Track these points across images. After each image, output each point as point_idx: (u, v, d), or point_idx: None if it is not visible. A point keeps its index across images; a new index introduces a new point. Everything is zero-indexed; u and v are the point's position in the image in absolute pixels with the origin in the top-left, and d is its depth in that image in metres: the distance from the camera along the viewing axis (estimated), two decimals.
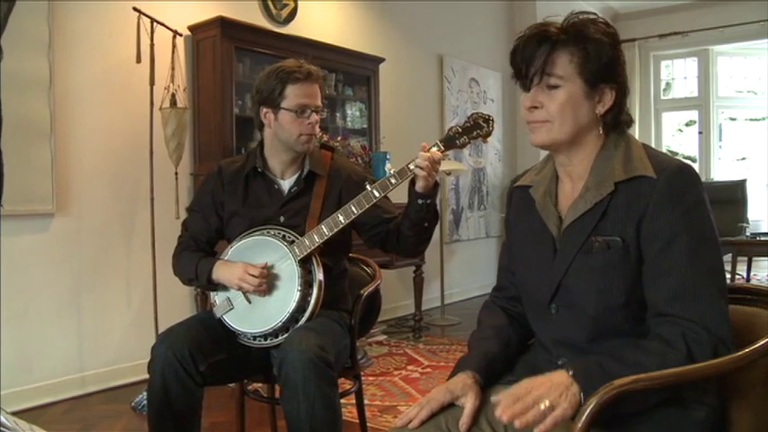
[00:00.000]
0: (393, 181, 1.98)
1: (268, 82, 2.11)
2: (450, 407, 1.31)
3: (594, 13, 1.31)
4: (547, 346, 1.37)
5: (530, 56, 1.28)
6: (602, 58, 1.27)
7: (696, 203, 1.22)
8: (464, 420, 1.27)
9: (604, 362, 1.17)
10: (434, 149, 1.93)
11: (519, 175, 1.55)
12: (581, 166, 1.34)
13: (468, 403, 1.29)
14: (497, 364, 1.41)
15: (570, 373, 1.17)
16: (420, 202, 1.98)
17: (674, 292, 1.19)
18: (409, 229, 2.05)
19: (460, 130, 1.98)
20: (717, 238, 1.24)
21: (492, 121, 1.98)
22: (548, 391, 1.14)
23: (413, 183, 1.98)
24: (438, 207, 2.07)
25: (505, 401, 1.15)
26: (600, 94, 1.30)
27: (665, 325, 1.20)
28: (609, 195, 1.27)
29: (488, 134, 1.98)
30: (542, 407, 1.12)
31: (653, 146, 1.43)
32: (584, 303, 1.28)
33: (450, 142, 1.97)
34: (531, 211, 1.42)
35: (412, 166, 1.94)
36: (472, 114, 1.99)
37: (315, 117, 2.12)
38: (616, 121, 1.33)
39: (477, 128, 1.97)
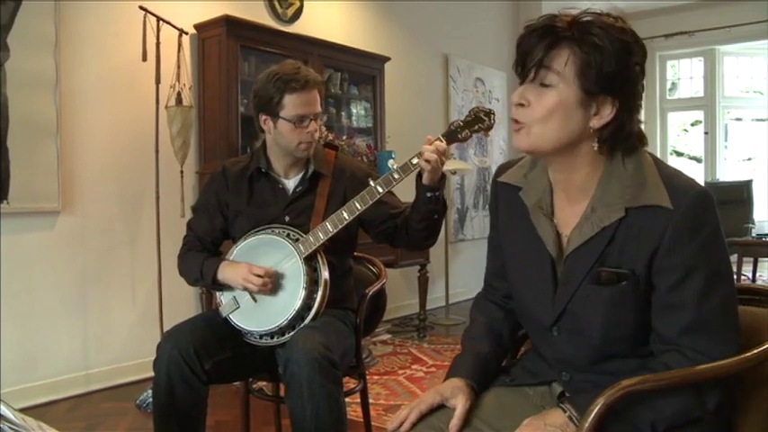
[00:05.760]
0: (396, 176, 1.99)
1: (266, 89, 2.09)
2: (443, 409, 1.30)
3: (611, 15, 1.18)
4: (548, 360, 1.35)
5: (531, 47, 1.17)
6: (603, 67, 1.13)
7: (713, 234, 1.16)
8: (454, 422, 1.25)
9: None
10: (438, 142, 1.94)
11: (503, 167, 1.44)
12: (576, 180, 1.25)
13: (459, 404, 1.28)
14: (491, 363, 1.40)
15: (567, 414, 1.16)
16: (429, 194, 1.99)
17: (686, 325, 1.15)
18: (419, 223, 2.05)
19: (462, 123, 1.99)
20: (730, 265, 1.21)
21: (493, 114, 1.99)
22: None
23: (420, 177, 1.99)
24: (445, 198, 2.08)
25: None
26: (598, 105, 1.17)
27: (673, 354, 1.17)
28: (618, 220, 1.18)
29: (489, 128, 1.99)
30: None
31: (658, 146, 1.38)
32: (590, 332, 1.23)
33: (453, 136, 1.98)
34: (524, 219, 1.33)
35: (415, 161, 1.95)
36: (473, 108, 2.01)
37: (314, 125, 2.11)
38: (615, 140, 1.19)
39: (478, 121, 1.98)
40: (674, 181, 1.18)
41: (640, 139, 1.23)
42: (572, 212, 1.27)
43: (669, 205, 1.14)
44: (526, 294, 1.35)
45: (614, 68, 1.14)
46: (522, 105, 1.20)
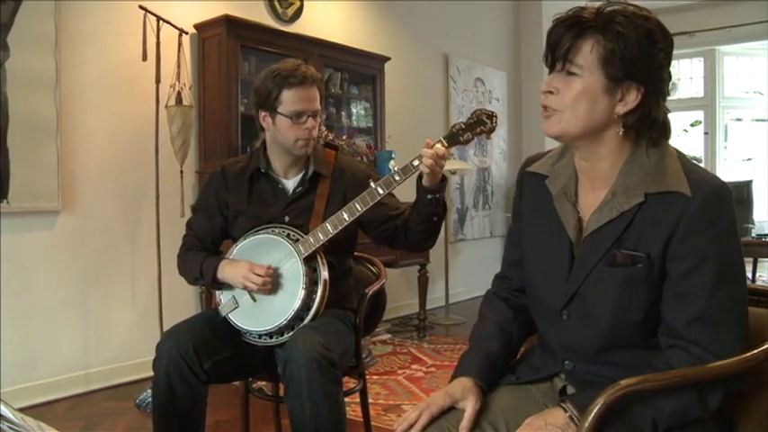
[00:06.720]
0: (397, 178, 1.98)
1: (265, 85, 2.10)
2: (451, 410, 1.30)
3: (636, 5, 1.22)
4: (552, 348, 1.35)
5: (557, 39, 1.22)
6: (626, 53, 1.17)
7: (728, 227, 1.18)
8: (464, 424, 1.26)
9: None
10: (438, 146, 1.93)
11: (531, 158, 1.47)
12: (601, 168, 1.28)
13: (469, 406, 1.28)
14: (499, 364, 1.40)
15: (568, 414, 1.16)
16: (429, 197, 1.98)
17: (694, 316, 1.16)
18: (419, 225, 2.05)
19: (464, 126, 1.97)
20: (743, 262, 1.22)
21: (495, 117, 1.97)
22: None
23: (420, 178, 1.98)
24: (446, 200, 2.07)
25: None
26: (623, 91, 1.21)
27: (676, 351, 1.17)
28: (637, 206, 1.21)
29: (492, 130, 1.97)
30: None
31: None
32: (600, 316, 1.24)
33: (454, 139, 1.96)
34: (547, 206, 1.36)
35: (416, 163, 1.94)
36: (475, 111, 1.99)
37: (311, 122, 2.10)
38: (640, 126, 1.23)
39: (480, 124, 1.96)
40: (696, 173, 1.21)
41: (665, 131, 1.26)
42: (595, 198, 1.30)
43: (688, 192, 1.17)
44: (541, 278, 1.37)
45: (637, 54, 1.18)
46: (550, 93, 1.25)
